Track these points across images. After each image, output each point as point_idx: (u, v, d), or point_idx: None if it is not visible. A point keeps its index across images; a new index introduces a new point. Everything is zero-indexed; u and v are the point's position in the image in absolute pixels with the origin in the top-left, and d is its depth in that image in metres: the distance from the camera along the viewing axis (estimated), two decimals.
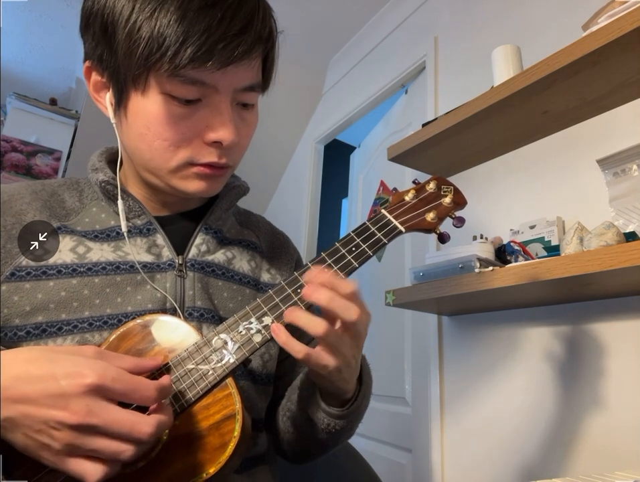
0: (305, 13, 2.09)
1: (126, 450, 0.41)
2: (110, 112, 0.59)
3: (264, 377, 0.67)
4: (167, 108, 0.55)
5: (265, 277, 0.72)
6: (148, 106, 0.55)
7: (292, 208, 2.59)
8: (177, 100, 0.54)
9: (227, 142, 0.57)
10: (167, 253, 0.63)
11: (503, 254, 1.14)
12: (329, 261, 0.55)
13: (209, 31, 0.51)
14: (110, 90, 0.58)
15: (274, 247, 0.77)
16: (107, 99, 0.59)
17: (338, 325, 0.51)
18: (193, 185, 0.60)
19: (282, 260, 0.76)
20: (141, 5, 0.52)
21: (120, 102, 0.57)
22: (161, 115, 0.55)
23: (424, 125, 1.32)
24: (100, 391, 0.41)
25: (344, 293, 0.50)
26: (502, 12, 1.50)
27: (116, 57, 0.54)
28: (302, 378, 0.66)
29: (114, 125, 0.60)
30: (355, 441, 0.78)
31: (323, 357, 0.50)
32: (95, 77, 0.59)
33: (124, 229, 0.60)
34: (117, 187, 0.63)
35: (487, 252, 1.12)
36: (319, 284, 0.50)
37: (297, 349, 0.50)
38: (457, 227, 0.62)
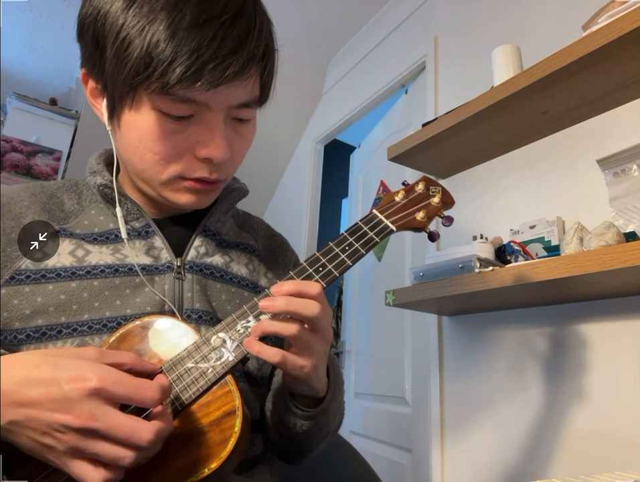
0: (305, 13, 2.09)
1: (126, 456, 0.41)
2: (105, 119, 0.59)
3: (259, 379, 0.67)
4: (158, 123, 0.54)
5: (263, 281, 0.72)
6: (139, 121, 0.54)
7: (292, 208, 2.59)
8: (168, 116, 0.54)
9: (218, 159, 0.56)
10: (166, 255, 0.63)
11: (503, 254, 1.14)
12: (323, 260, 0.56)
13: (198, 51, 0.49)
14: (105, 98, 0.58)
15: (272, 250, 0.77)
16: (103, 106, 0.58)
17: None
18: (183, 198, 0.60)
19: (279, 264, 0.76)
20: (131, 21, 0.50)
21: (113, 114, 0.57)
22: (152, 130, 0.54)
23: (424, 125, 1.32)
24: (101, 395, 0.41)
25: (307, 294, 0.51)
26: (502, 12, 1.50)
27: (107, 71, 0.53)
28: (276, 381, 0.67)
29: (109, 132, 0.60)
30: (355, 441, 0.78)
31: (298, 358, 0.52)
32: (92, 83, 0.59)
33: (123, 235, 0.60)
34: (115, 190, 0.63)
35: (487, 252, 1.12)
36: (280, 294, 0.51)
37: (272, 353, 0.50)
38: (446, 225, 0.64)
